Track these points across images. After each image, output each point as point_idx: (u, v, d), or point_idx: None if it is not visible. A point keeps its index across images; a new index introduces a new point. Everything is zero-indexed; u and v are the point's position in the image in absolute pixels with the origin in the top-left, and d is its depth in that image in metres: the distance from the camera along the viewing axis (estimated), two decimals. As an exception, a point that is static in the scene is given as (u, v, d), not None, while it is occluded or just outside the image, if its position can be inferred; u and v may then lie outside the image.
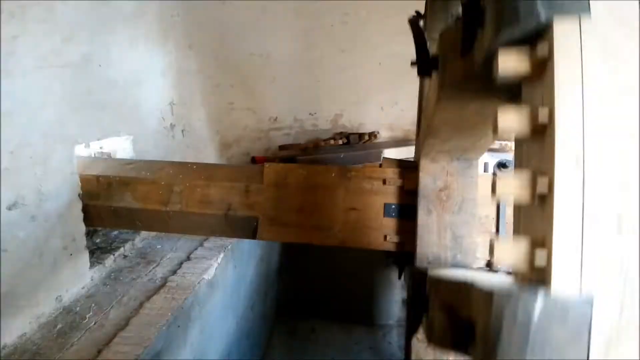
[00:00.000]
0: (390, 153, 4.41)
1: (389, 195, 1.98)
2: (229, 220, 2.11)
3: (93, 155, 2.58)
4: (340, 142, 4.55)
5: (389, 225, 1.98)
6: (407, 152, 3.63)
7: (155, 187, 2.15)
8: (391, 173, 1.99)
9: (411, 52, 2.07)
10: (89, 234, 2.33)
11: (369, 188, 2.00)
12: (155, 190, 2.15)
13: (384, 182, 1.99)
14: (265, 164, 2.08)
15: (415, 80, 1.90)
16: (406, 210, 1.94)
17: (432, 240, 1.82)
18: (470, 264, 1.78)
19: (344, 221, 2.01)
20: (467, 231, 1.80)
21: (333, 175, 2.03)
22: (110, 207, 2.19)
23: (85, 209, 2.19)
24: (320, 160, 4.15)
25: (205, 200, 2.12)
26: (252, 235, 2.09)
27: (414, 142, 2.55)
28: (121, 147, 2.70)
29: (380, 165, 2.06)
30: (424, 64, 1.25)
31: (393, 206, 1.97)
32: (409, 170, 1.96)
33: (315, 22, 4.26)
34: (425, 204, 1.83)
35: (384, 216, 1.97)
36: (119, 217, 2.22)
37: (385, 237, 1.98)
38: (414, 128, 2.99)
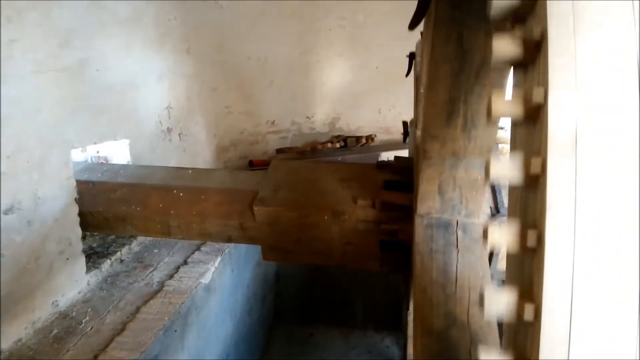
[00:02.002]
0: (387, 156, 4.42)
1: (384, 234, 1.92)
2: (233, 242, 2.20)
3: (90, 160, 2.58)
4: (338, 145, 4.56)
5: (386, 256, 1.96)
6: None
7: (152, 222, 2.17)
8: (385, 217, 1.90)
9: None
10: (86, 238, 2.32)
11: (363, 229, 1.95)
12: (153, 225, 2.17)
13: (379, 226, 1.91)
14: (254, 207, 1.99)
15: (412, 84, 1.91)
16: (402, 247, 1.89)
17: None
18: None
19: (342, 251, 2.00)
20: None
21: (326, 218, 1.96)
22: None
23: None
24: (321, 161, 4.15)
25: (205, 232, 2.14)
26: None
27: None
28: (118, 151, 2.69)
29: (377, 166, 2.03)
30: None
31: (389, 243, 1.92)
32: (405, 221, 1.87)
33: (313, 26, 4.27)
34: (420, 259, 1.61)
35: (380, 251, 1.94)
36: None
37: (381, 265, 1.97)
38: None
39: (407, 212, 1.83)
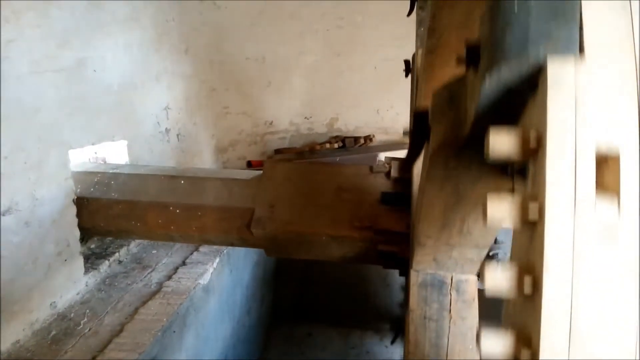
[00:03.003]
0: (386, 157, 4.42)
1: (383, 252, 1.95)
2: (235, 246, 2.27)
3: (88, 161, 2.57)
4: (336, 145, 4.55)
5: (385, 260, 1.99)
6: (401, 156, 3.63)
7: (154, 234, 2.25)
8: (383, 239, 1.91)
9: (406, 56, 2.08)
10: (84, 239, 2.32)
11: (361, 245, 1.97)
12: (155, 236, 2.27)
13: (377, 246, 1.94)
14: (252, 229, 2.00)
15: (409, 84, 1.91)
16: (401, 260, 1.91)
17: None
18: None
19: (342, 257, 2.05)
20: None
21: (324, 238, 1.96)
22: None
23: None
24: (317, 163, 4.15)
25: (208, 240, 2.23)
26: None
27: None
28: (116, 152, 2.69)
29: (371, 169, 2.03)
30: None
31: (388, 254, 1.94)
32: (402, 244, 1.89)
33: (311, 26, 4.27)
34: (414, 329, 1.59)
35: (379, 257, 1.97)
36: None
37: (383, 265, 2.02)
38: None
39: (404, 237, 1.86)
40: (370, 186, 1.96)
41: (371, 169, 1.95)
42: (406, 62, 1.96)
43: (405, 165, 1.85)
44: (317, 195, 2.01)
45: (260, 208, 2.02)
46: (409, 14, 1.57)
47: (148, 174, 2.28)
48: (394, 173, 1.90)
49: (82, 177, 2.25)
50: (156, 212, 2.15)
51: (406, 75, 1.96)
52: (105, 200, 2.21)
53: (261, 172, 2.16)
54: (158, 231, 2.17)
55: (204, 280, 2.47)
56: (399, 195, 1.91)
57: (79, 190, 2.21)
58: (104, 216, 2.20)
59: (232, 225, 2.07)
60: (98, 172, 2.28)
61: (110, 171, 2.28)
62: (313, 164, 2.12)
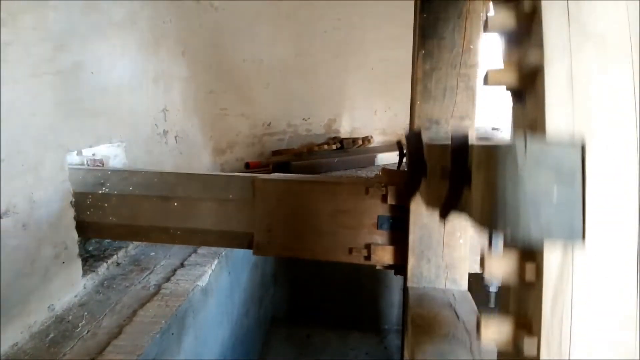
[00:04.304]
0: (384, 157, 4.43)
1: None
2: None
3: (86, 164, 2.57)
4: (334, 146, 4.56)
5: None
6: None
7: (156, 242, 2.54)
8: (380, 264, 2.02)
9: (403, 57, 2.09)
10: (82, 242, 2.32)
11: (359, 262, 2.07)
12: (158, 242, 2.54)
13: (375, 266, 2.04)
14: (253, 253, 2.11)
15: (408, 85, 1.92)
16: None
17: None
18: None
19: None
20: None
21: (323, 260, 2.08)
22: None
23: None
24: (315, 165, 4.15)
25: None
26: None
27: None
28: (113, 154, 2.69)
29: (367, 191, 2.02)
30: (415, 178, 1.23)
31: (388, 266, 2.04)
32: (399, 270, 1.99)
33: (308, 27, 4.28)
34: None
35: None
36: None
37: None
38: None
39: (399, 267, 1.95)
40: (367, 209, 1.99)
41: (367, 190, 1.95)
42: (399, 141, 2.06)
43: (402, 195, 1.87)
44: (314, 219, 2.04)
45: (259, 233, 2.09)
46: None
47: (140, 194, 2.26)
48: (390, 200, 1.92)
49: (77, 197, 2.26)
50: (156, 233, 2.25)
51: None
52: (105, 223, 2.28)
53: (252, 177, 2.17)
54: (159, 241, 2.40)
55: (203, 282, 2.47)
56: (395, 220, 1.96)
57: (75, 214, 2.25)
58: (108, 235, 2.40)
59: (232, 244, 2.21)
60: (89, 193, 2.27)
61: (100, 192, 2.26)
62: (303, 182, 2.11)
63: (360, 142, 4.66)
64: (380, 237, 1.99)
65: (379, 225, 1.98)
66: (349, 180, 2.15)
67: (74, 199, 2.17)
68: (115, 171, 2.40)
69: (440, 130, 1.71)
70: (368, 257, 1.98)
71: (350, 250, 2.00)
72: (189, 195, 2.19)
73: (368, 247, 1.98)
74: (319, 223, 2.03)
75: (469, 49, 1.66)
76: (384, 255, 1.97)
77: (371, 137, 4.72)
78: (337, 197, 2.02)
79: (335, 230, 2.02)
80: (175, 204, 2.19)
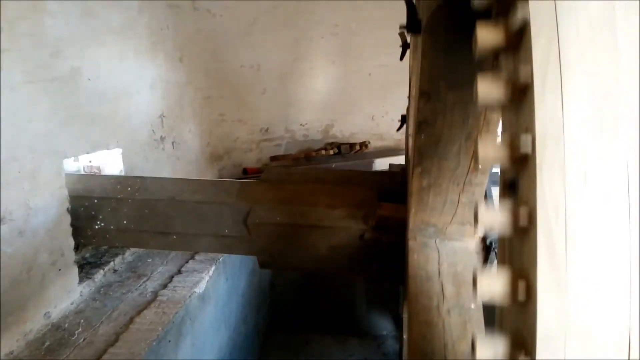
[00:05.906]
0: (381, 163, 4.43)
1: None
2: None
3: (83, 171, 2.56)
4: (332, 152, 4.56)
5: None
6: (397, 162, 3.64)
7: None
8: None
9: (400, 63, 2.08)
10: (78, 249, 2.30)
11: None
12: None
13: None
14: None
15: (405, 90, 1.92)
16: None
17: None
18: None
19: None
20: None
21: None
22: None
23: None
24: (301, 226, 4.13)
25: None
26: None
27: (404, 152, 2.56)
28: (111, 161, 2.68)
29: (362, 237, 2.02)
30: (414, 22, 1.24)
31: None
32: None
33: (305, 34, 4.29)
34: None
35: None
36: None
37: None
38: (404, 137, 3.01)
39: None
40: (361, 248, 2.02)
41: (362, 237, 1.95)
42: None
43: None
44: (312, 251, 2.07)
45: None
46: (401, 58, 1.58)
47: (137, 230, 2.26)
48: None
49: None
50: (156, 242, 2.30)
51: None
52: (102, 229, 2.28)
53: (248, 183, 2.23)
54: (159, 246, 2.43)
55: (200, 288, 2.46)
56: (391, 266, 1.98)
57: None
58: (105, 242, 2.42)
59: (224, 244, 2.23)
60: (85, 199, 2.23)
61: (96, 227, 2.23)
62: (295, 226, 2.11)
63: (357, 147, 4.66)
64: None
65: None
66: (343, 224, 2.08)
67: (70, 206, 2.16)
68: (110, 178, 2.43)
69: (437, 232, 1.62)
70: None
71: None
72: (185, 229, 2.20)
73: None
74: (317, 254, 2.06)
75: (477, 169, 1.43)
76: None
77: (368, 142, 4.72)
78: (333, 235, 2.03)
79: (334, 258, 2.05)
80: (175, 237, 2.21)
